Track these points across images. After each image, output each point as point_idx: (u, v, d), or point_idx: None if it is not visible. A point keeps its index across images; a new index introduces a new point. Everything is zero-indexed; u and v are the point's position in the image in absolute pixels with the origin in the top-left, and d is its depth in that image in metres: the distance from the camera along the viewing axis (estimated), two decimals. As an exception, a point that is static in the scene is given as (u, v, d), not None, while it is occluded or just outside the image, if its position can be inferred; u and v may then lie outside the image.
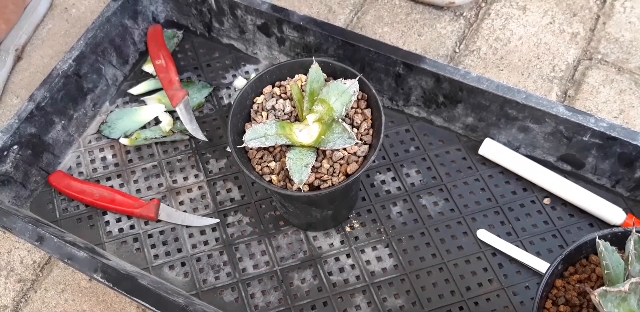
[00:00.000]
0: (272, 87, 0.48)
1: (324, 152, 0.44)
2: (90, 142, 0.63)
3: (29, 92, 0.69)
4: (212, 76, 0.67)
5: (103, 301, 0.56)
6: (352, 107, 0.46)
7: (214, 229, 0.57)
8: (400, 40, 0.69)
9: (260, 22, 0.61)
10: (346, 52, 0.58)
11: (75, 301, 0.56)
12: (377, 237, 0.56)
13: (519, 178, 0.58)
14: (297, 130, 0.44)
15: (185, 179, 0.60)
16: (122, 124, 0.63)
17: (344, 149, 0.44)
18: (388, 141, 0.61)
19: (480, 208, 0.56)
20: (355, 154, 0.44)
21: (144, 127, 0.64)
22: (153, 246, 0.57)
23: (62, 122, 0.60)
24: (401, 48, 0.56)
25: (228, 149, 0.62)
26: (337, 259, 0.55)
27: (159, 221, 0.58)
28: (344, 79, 0.45)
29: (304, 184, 0.43)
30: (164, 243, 0.57)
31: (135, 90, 0.66)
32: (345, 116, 0.45)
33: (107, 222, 0.58)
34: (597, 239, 0.34)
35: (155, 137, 0.62)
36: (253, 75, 0.66)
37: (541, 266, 0.52)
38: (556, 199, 0.56)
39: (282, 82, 0.48)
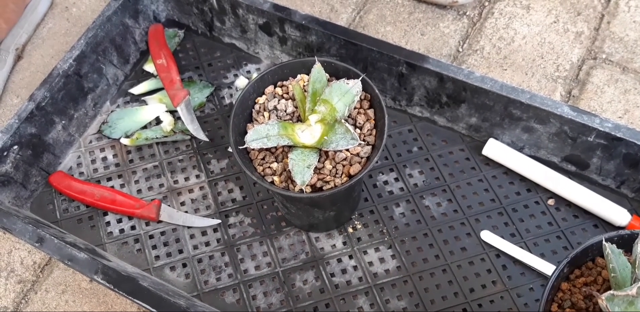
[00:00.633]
0: (274, 87, 0.48)
1: (326, 153, 0.44)
2: (91, 142, 0.63)
3: (29, 92, 0.68)
4: (213, 76, 0.66)
5: (104, 302, 0.56)
6: (354, 108, 0.45)
7: (215, 230, 0.57)
8: (403, 39, 0.68)
9: (262, 21, 0.61)
10: (348, 52, 0.57)
11: (75, 302, 0.56)
12: (380, 239, 0.55)
13: (523, 179, 0.57)
14: (300, 131, 0.44)
15: (187, 179, 0.60)
16: (123, 124, 0.63)
17: (347, 150, 0.44)
18: (391, 141, 0.60)
19: (484, 209, 0.56)
20: (358, 155, 0.44)
21: (145, 127, 0.63)
22: (154, 247, 0.57)
23: (63, 122, 0.60)
24: (404, 47, 0.55)
25: (229, 149, 0.62)
26: (339, 261, 0.55)
27: (160, 221, 0.58)
28: (347, 79, 0.45)
29: (306, 185, 0.42)
30: (165, 244, 0.57)
31: (136, 90, 0.65)
32: (348, 117, 0.45)
33: (108, 223, 0.58)
34: (604, 242, 0.34)
35: (157, 137, 0.62)
36: (255, 74, 0.66)
37: (545, 267, 0.52)
38: (560, 200, 0.56)
39: (284, 82, 0.48)
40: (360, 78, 0.44)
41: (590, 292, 0.35)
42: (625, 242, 0.37)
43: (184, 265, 0.55)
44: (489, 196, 0.57)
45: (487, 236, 0.54)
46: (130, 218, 0.58)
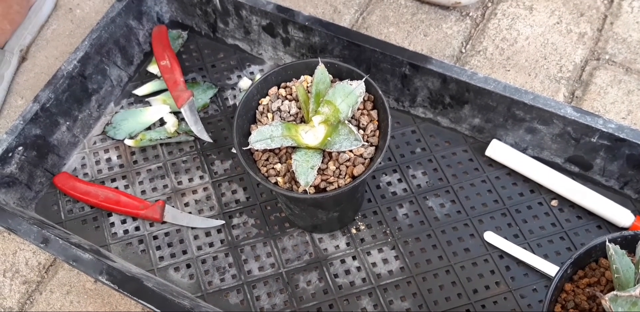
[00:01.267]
0: (278, 89, 0.48)
1: (330, 154, 0.44)
2: (95, 143, 0.63)
3: (33, 93, 0.69)
4: (217, 77, 0.66)
5: (108, 302, 0.56)
6: (358, 109, 0.45)
7: (219, 231, 0.57)
8: (406, 40, 0.68)
9: (265, 23, 0.61)
10: (352, 53, 0.57)
11: (80, 302, 0.56)
12: (383, 239, 0.55)
13: (526, 180, 0.57)
14: (303, 132, 0.44)
15: (191, 180, 0.60)
16: (127, 125, 0.63)
17: (350, 151, 0.44)
18: (394, 142, 0.60)
19: (487, 210, 0.56)
20: (361, 155, 0.44)
21: (149, 128, 0.64)
22: (158, 248, 0.57)
23: (67, 123, 0.60)
24: (407, 49, 0.55)
25: (233, 151, 0.62)
26: (342, 261, 0.55)
27: (164, 222, 0.58)
28: (350, 80, 0.45)
29: (310, 186, 0.42)
30: (169, 245, 0.57)
31: (140, 91, 0.66)
32: (352, 118, 0.45)
33: (112, 224, 0.58)
34: (607, 243, 0.34)
35: (160, 139, 0.62)
36: (258, 76, 0.66)
37: (549, 268, 0.52)
38: (564, 201, 0.56)
39: (288, 84, 0.48)
40: (363, 79, 0.44)
41: (594, 293, 0.35)
42: (628, 243, 0.37)
43: (188, 266, 0.56)
44: (492, 196, 0.57)
45: (490, 236, 0.54)
46: (134, 219, 0.58)
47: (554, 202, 0.56)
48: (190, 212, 0.58)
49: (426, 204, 0.57)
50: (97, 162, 0.62)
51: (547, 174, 0.55)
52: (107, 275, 0.48)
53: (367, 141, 0.45)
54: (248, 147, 0.43)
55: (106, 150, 0.63)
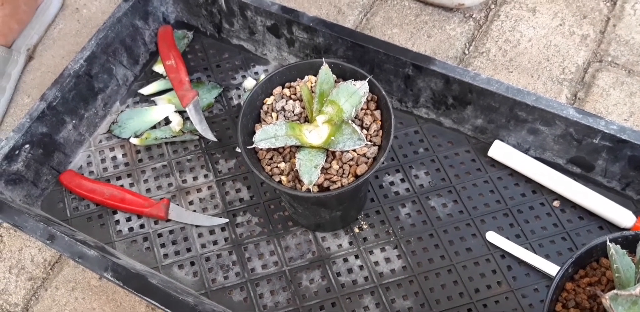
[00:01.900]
0: (282, 88, 0.48)
1: (333, 153, 0.45)
2: (100, 141, 0.64)
3: (40, 92, 0.69)
4: (221, 77, 0.67)
5: (113, 299, 0.56)
6: (361, 109, 0.46)
7: (223, 229, 0.58)
8: (409, 41, 0.69)
9: (270, 23, 0.62)
10: (355, 54, 0.58)
11: (85, 299, 0.57)
12: (386, 239, 0.56)
13: (528, 180, 0.57)
14: (307, 132, 0.44)
15: (195, 179, 0.61)
16: (133, 124, 0.64)
17: (354, 151, 0.44)
18: (397, 142, 0.61)
19: (489, 210, 0.56)
20: (364, 155, 0.44)
21: (154, 127, 0.64)
22: (163, 245, 0.57)
23: (73, 121, 0.61)
24: (410, 49, 0.56)
25: (237, 150, 0.62)
26: (345, 260, 0.55)
27: (168, 220, 0.58)
28: (354, 80, 0.45)
29: (314, 185, 0.43)
30: (174, 242, 0.57)
31: (146, 90, 0.66)
32: (355, 117, 0.46)
33: (117, 221, 0.59)
34: (608, 242, 0.34)
35: (165, 137, 0.62)
36: (262, 76, 0.66)
37: (550, 268, 0.52)
38: (566, 202, 0.56)
39: (292, 83, 0.48)
40: (367, 79, 0.45)
41: (595, 292, 0.36)
42: (629, 243, 0.37)
43: (192, 263, 0.56)
44: (495, 197, 0.57)
45: (492, 236, 0.55)
46: (139, 217, 0.59)
47: (556, 203, 0.56)
48: (194, 211, 0.59)
49: (428, 204, 0.57)
50: (103, 161, 0.63)
51: (549, 174, 0.56)
52: (112, 272, 0.48)
53: (370, 141, 0.45)
54: (252, 146, 0.43)
55: (112, 149, 0.63)
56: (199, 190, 0.60)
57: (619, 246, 0.34)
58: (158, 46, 0.66)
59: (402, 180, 0.59)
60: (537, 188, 0.57)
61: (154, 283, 0.47)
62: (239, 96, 0.66)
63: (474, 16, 0.70)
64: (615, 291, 0.31)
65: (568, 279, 0.38)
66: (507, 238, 0.55)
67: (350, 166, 0.44)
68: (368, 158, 0.44)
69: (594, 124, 0.51)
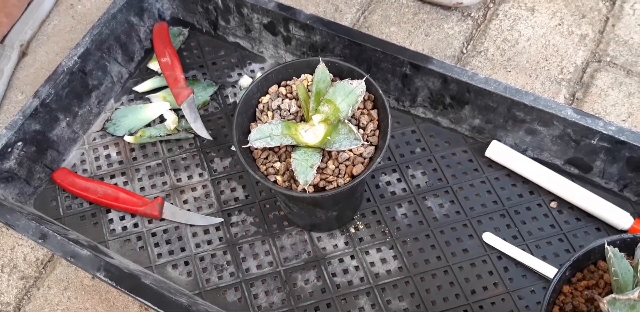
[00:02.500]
0: (278, 87, 0.48)
1: (329, 153, 0.44)
2: (94, 139, 0.63)
3: (33, 89, 0.69)
4: (217, 74, 0.66)
5: (106, 299, 0.56)
6: (358, 108, 0.45)
7: (217, 229, 0.57)
8: (407, 40, 0.68)
9: (266, 21, 0.61)
10: (353, 52, 0.57)
11: (77, 298, 0.56)
12: (382, 239, 0.55)
13: (525, 181, 0.57)
14: (303, 131, 0.44)
15: (190, 177, 0.60)
16: (127, 122, 0.63)
17: (350, 150, 0.44)
18: (394, 142, 0.60)
19: (486, 211, 0.56)
20: (361, 155, 0.44)
21: (148, 125, 0.63)
22: (156, 245, 0.57)
23: (67, 119, 0.60)
24: (408, 48, 0.55)
25: (233, 148, 0.62)
26: (341, 261, 0.55)
27: (162, 219, 0.58)
28: (351, 79, 0.45)
29: (309, 185, 0.42)
30: (168, 242, 0.57)
31: (141, 87, 0.65)
32: (352, 117, 0.45)
33: (111, 220, 0.58)
34: (606, 245, 0.34)
35: (160, 135, 0.62)
36: (259, 74, 0.66)
37: (547, 270, 0.52)
38: (563, 203, 0.56)
39: (288, 82, 0.48)
40: (364, 78, 0.44)
41: (592, 296, 0.35)
42: (627, 246, 0.37)
43: (186, 263, 0.55)
44: (492, 197, 0.57)
45: (489, 237, 0.54)
46: (133, 216, 0.58)
47: (553, 204, 0.56)
48: (189, 210, 0.58)
49: (425, 204, 0.57)
50: (97, 159, 0.62)
51: (547, 175, 0.55)
52: (104, 271, 0.48)
53: (366, 141, 0.44)
54: (247, 145, 0.43)
55: (106, 147, 0.63)
56: (193, 189, 0.60)
57: (617, 249, 0.34)
58: (153, 43, 0.66)
59: (399, 180, 0.58)
60: (535, 189, 0.57)
61: (147, 283, 0.47)
62: (235, 94, 0.65)
63: (472, 15, 0.70)
64: (613, 295, 0.31)
65: (565, 282, 0.38)
66: (504, 239, 0.54)
67: (347, 166, 0.44)
68: (364, 158, 0.44)
69: (592, 124, 0.50)
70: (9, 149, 0.55)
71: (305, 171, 0.42)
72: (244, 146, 0.44)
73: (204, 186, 0.60)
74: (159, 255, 0.56)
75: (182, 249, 0.56)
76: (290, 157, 0.44)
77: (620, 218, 0.53)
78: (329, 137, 0.43)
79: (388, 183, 0.58)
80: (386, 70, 0.57)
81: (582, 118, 0.51)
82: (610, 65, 0.65)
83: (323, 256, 0.55)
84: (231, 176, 0.60)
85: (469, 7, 0.70)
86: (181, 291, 0.53)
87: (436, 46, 0.68)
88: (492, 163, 0.58)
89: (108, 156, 0.62)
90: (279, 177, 0.44)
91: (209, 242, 0.56)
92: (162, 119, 0.64)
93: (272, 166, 0.45)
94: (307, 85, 0.46)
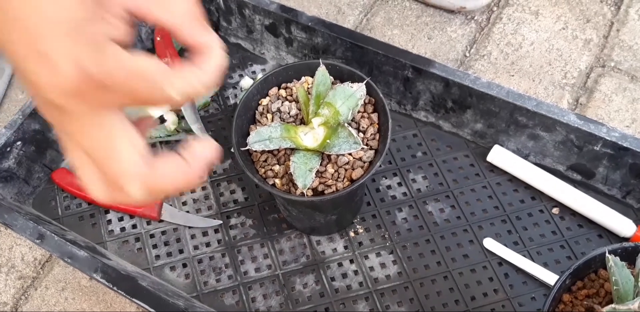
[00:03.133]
0: (278, 89, 0.47)
1: (329, 156, 0.44)
2: (94, 139, 0.63)
3: (35, 88, 0.68)
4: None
5: (103, 300, 0.56)
6: (358, 111, 0.45)
7: (216, 231, 0.57)
8: (409, 43, 0.68)
9: (268, 22, 0.61)
10: (354, 55, 0.57)
11: (75, 299, 0.56)
12: (382, 244, 0.55)
13: (527, 186, 0.56)
14: (302, 134, 0.43)
15: (189, 179, 0.60)
16: (127, 123, 0.63)
17: (350, 154, 0.43)
18: (395, 146, 0.60)
19: (487, 216, 0.55)
20: (360, 159, 0.43)
21: (149, 126, 0.63)
22: (155, 246, 0.56)
23: (67, 119, 0.60)
24: (410, 51, 0.55)
25: (233, 150, 0.61)
26: (340, 265, 0.54)
27: (161, 221, 0.58)
28: (351, 82, 0.44)
29: (308, 188, 0.42)
30: (166, 244, 0.56)
31: (142, 88, 0.65)
32: (352, 120, 0.45)
33: (109, 221, 0.58)
34: (607, 254, 0.33)
35: (160, 136, 0.61)
36: (260, 75, 0.65)
37: (548, 277, 0.51)
38: (565, 209, 0.55)
39: (289, 84, 0.47)
40: (364, 82, 0.44)
41: (592, 305, 0.35)
42: (628, 255, 0.36)
43: (184, 265, 0.55)
44: (493, 203, 0.56)
45: (489, 243, 0.54)
46: (131, 217, 0.58)
47: (555, 210, 0.55)
48: (187, 212, 0.58)
49: (426, 209, 0.56)
50: (96, 159, 0.62)
51: (549, 181, 0.55)
52: (101, 273, 0.47)
53: (366, 144, 0.44)
54: (246, 148, 0.43)
55: (105, 147, 0.62)
56: (192, 190, 0.59)
57: (618, 258, 0.33)
58: (154, 44, 0.66)
59: (400, 184, 0.58)
60: (537, 195, 0.56)
61: (144, 285, 0.47)
62: (236, 95, 0.65)
63: (475, 18, 0.69)
64: (613, 305, 0.30)
65: (565, 290, 0.37)
66: (505, 245, 0.54)
67: (346, 170, 0.43)
68: (364, 162, 0.44)
69: (595, 130, 0.50)
70: (8, 149, 0.55)
71: (304, 174, 0.41)
72: (243, 149, 0.43)
73: (203, 188, 0.59)
74: (157, 257, 0.56)
75: (181, 251, 0.56)
76: (289, 160, 0.43)
77: (623, 225, 0.52)
78: (328, 141, 0.42)
79: (388, 187, 0.58)
80: (388, 73, 0.57)
81: (585, 124, 0.50)
82: (615, 70, 0.64)
83: (322, 259, 0.55)
84: (231, 178, 0.60)
85: (473, 10, 0.69)
86: (179, 293, 0.52)
87: (439, 49, 0.67)
88: (493, 168, 0.58)
89: (108, 157, 0.62)
90: (277, 181, 0.44)
91: (208, 245, 0.56)
92: (162, 120, 0.64)
93: (271, 169, 0.44)
94: (308, 88, 0.46)
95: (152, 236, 0.57)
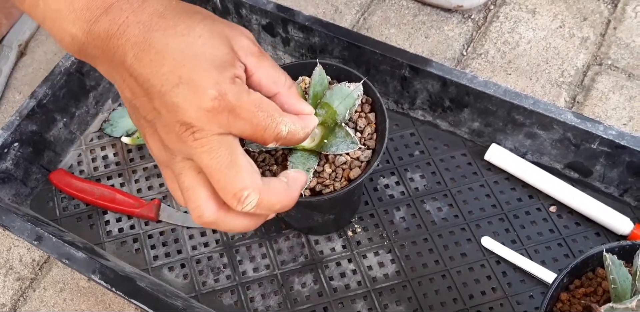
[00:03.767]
0: (276, 89, 0.47)
1: (326, 156, 0.44)
2: (92, 140, 0.63)
3: (31, 89, 0.68)
4: (216, 76, 0.66)
5: (102, 301, 0.56)
6: (355, 111, 0.45)
7: (214, 231, 0.57)
8: (406, 42, 0.68)
9: (265, 22, 0.61)
10: (352, 54, 0.57)
11: (73, 300, 0.56)
12: (380, 243, 0.55)
13: (525, 185, 0.57)
14: (300, 134, 0.43)
15: (187, 179, 0.60)
16: (125, 123, 0.63)
17: (347, 154, 0.43)
18: (392, 145, 0.60)
19: (485, 215, 0.56)
20: (358, 158, 0.43)
21: (146, 126, 0.63)
22: (153, 247, 0.56)
23: (64, 119, 0.60)
24: (407, 51, 0.55)
25: (230, 150, 0.61)
26: (338, 264, 0.54)
27: (159, 221, 0.58)
28: (348, 82, 0.44)
29: (305, 188, 0.42)
30: (164, 244, 0.56)
31: (139, 88, 0.65)
32: (349, 120, 0.45)
33: (107, 222, 0.58)
34: (605, 253, 0.33)
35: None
36: (257, 75, 0.65)
37: (546, 275, 0.51)
38: (562, 207, 0.55)
39: (286, 84, 0.47)
40: (361, 81, 0.44)
41: (589, 304, 0.35)
42: (626, 253, 0.36)
43: (183, 265, 0.55)
44: (491, 201, 0.56)
45: (487, 242, 0.54)
46: (129, 217, 0.58)
47: (553, 208, 0.55)
48: (185, 212, 0.58)
49: (423, 208, 0.56)
50: (94, 160, 0.62)
51: (546, 179, 0.55)
52: (100, 274, 0.47)
53: (364, 144, 0.44)
54: (244, 148, 0.43)
55: (103, 148, 0.62)
56: (190, 191, 0.59)
57: (615, 257, 0.34)
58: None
59: (397, 183, 0.58)
60: (534, 193, 0.56)
61: (143, 286, 0.47)
62: (233, 96, 0.65)
63: (472, 17, 0.69)
64: (610, 304, 0.31)
65: (563, 289, 0.37)
66: (503, 243, 0.54)
67: (344, 170, 0.43)
68: (362, 162, 0.44)
69: (592, 129, 0.50)
70: (5, 150, 0.55)
71: (302, 174, 0.41)
72: (241, 149, 0.43)
73: (201, 188, 0.59)
74: (155, 257, 0.56)
75: (179, 252, 0.56)
76: (287, 160, 0.43)
77: (620, 223, 0.52)
78: (325, 141, 0.42)
79: (386, 186, 0.58)
80: (385, 72, 0.57)
81: (582, 122, 0.50)
82: (612, 68, 0.65)
83: (320, 259, 0.55)
84: (229, 178, 0.59)
85: (470, 9, 0.69)
86: (177, 293, 0.52)
87: (436, 48, 0.67)
88: (491, 167, 0.58)
89: (105, 157, 0.62)
90: (275, 181, 0.44)
91: (206, 245, 0.56)
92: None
93: (268, 169, 0.44)
94: (305, 88, 0.46)
95: (150, 236, 0.57)
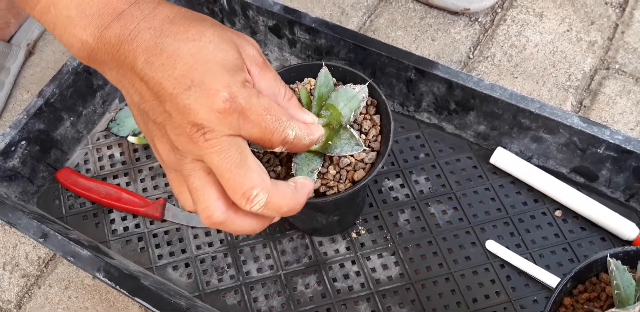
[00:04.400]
0: (282, 91, 0.47)
1: (330, 158, 0.44)
2: (98, 139, 0.63)
3: (39, 87, 0.69)
4: (222, 76, 0.66)
5: (106, 299, 0.56)
6: (360, 113, 0.45)
7: (219, 231, 0.57)
8: (413, 44, 0.68)
9: (271, 23, 0.61)
10: (358, 56, 0.57)
11: (78, 298, 0.56)
12: (384, 245, 0.55)
13: (530, 189, 0.56)
14: (305, 135, 0.43)
15: (192, 179, 0.60)
16: (131, 122, 0.63)
17: (351, 156, 0.43)
18: (398, 147, 0.60)
19: (490, 218, 0.55)
20: (362, 160, 0.44)
21: (152, 126, 0.63)
22: (157, 246, 0.57)
23: (71, 118, 0.60)
24: (414, 53, 0.55)
25: (236, 151, 0.61)
26: (342, 266, 0.54)
27: (164, 220, 0.58)
28: (354, 84, 0.44)
29: (310, 190, 0.42)
30: (169, 243, 0.57)
31: (146, 88, 0.65)
32: (354, 122, 0.45)
33: (113, 221, 0.58)
34: (609, 258, 0.33)
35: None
36: (264, 76, 0.65)
37: (550, 279, 0.51)
38: (568, 212, 0.55)
39: (291, 86, 0.47)
40: (366, 83, 0.44)
41: (592, 309, 0.35)
42: (630, 259, 0.36)
43: (187, 265, 0.55)
44: (496, 205, 0.56)
45: (492, 245, 0.54)
46: (134, 216, 0.58)
47: (558, 213, 0.55)
48: (190, 211, 0.58)
49: (428, 211, 0.56)
50: (100, 159, 0.62)
51: (552, 183, 0.55)
52: (104, 272, 0.48)
53: (368, 146, 0.44)
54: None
55: (109, 147, 0.63)
56: (195, 191, 0.59)
57: (619, 262, 0.33)
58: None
59: (402, 185, 0.58)
60: (539, 197, 0.56)
61: (147, 285, 0.47)
62: (240, 96, 0.65)
63: (479, 20, 0.69)
64: (614, 310, 0.30)
65: (566, 294, 0.37)
66: (507, 247, 0.54)
67: (348, 172, 0.43)
68: (366, 164, 0.44)
69: (599, 133, 0.50)
70: (13, 148, 0.55)
71: (306, 175, 0.41)
72: (246, 150, 0.43)
73: (206, 188, 0.59)
74: (160, 256, 0.56)
75: (183, 251, 0.56)
76: (291, 161, 0.43)
77: (626, 228, 0.52)
78: (330, 142, 0.42)
79: (391, 188, 0.58)
80: (391, 74, 0.57)
81: (589, 126, 0.50)
82: (619, 72, 0.64)
83: (324, 260, 0.55)
84: (233, 179, 0.60)
85: (477, 12, 0.69)
86: (181, 292, 0.53)
87: (442, 51, 0.67)
88: (496, 170, 0.58)
89: (111, 156, 0.62)
90: (279, 182, 0.44)
91: (210, 245, 0.56)
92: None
93: (273, 170, 0.44)
94: (310, 90, 0.46)
95: (155, 235, 0.57)
